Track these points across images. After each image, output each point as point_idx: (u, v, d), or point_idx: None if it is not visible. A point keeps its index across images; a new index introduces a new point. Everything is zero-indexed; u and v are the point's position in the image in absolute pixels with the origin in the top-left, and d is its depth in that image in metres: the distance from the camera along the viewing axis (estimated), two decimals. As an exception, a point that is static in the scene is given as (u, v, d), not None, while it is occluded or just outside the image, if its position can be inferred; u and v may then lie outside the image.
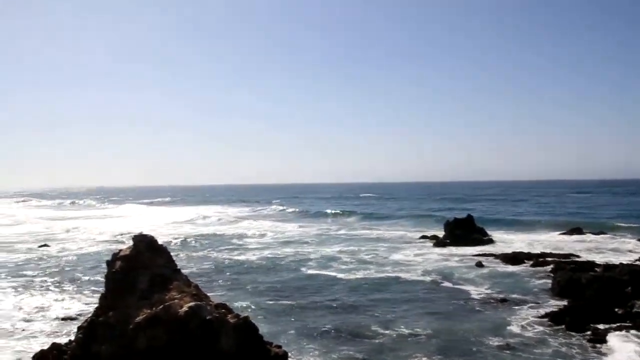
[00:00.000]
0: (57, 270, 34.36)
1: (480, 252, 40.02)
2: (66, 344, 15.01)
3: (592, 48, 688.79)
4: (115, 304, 13.87)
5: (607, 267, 29.98)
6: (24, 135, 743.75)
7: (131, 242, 15.33)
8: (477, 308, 23.88)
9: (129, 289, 14.07)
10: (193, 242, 51.55)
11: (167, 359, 12.75)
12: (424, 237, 50.89)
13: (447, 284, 29.23)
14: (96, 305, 14.72)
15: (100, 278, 23.64)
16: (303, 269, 34.80)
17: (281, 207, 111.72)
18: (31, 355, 15.03)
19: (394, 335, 19.56)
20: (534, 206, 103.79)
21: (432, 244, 45.93)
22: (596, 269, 30.44)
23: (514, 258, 36.36)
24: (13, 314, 22.80)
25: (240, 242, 50.81)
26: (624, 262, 31.96)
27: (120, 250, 15.28)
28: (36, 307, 24.02)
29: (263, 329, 15.27)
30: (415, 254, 40.32)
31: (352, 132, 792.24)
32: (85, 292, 27.38)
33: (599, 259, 35.73)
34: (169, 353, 12.75)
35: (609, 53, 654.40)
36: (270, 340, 14.73)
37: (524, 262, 35.15)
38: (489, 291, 27.02)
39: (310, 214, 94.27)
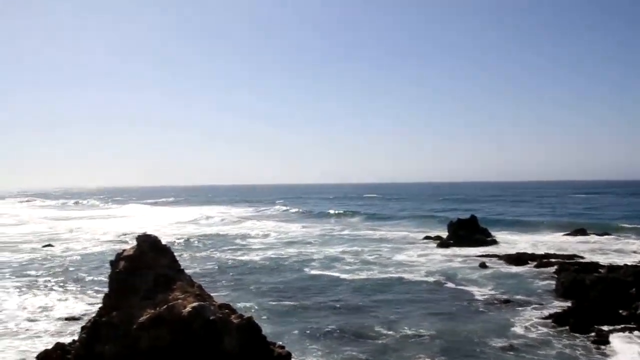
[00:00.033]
0: (61, 270, 34.45)
1: (484, 253, 39.95)
2: (70, 343, 15.05)
3: (592, 48, 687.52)
4: (119, 304, 13.89)
5: (611, 268, 29.88)
6: (24, 135, 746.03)
7: (135, 243, 15.35)
8: (481, 309, 23.84)
9: (133, 289, 14.09)
10: (196, 242, 51.63)
11: (171, 359, 12.77)
12: (427, 237, 50.83)
13: (450, 284, 29.19)
14: (100, 305, 14.74)
15: (104, 278, 23.73)
16: (306, 269, 34.81)
17: (284, 208, 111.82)
18: (35, 355, 15.07)
19: (397, 336, 19.54)
20: (537, 207, 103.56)
21: (435, 245, 45.87)
22: (600, 270, 30.36)
23: (518, 259, 36.29)
24: (17, 314, 22.87)
25: (244, 243, 50.86)
26: (628, 264, 31.88)
27: (124, 251, 15.30)
28: (40, 307, 24.09)
29: (266, 329, 15.28)
30: (418, 255, 40.28)
31: (353, 132, 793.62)
32: (89, 292, 27.44)
33: (603, 260, 35.63)
34: (173, 353, 12.76)
35: (609, 53, 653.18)
36: (274, 341, 14.74)
37: (528, 263, 35.08)
38: (492, 292, 26.97)
39: (314, 214, 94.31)
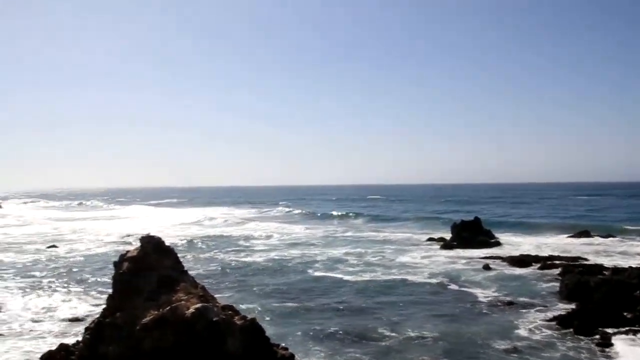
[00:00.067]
0: (65, 271, 34.53)
1: (488, 255, 39.85)
2: (74, 344, 15.06)
3: (592, 48, 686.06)
4: (122, 305, 13.92)
5: (616, 270, 29.79)
6: (24, 135, 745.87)
7: (138, 244, 15.38)
8: (484, 311, 23.79)
9: (136, 290, 14.11)
10: (200, 243, 51.68)
11: (174, 360, 12.78)
12: (430, 239, 50.74)
13: (453, 286, 29.14)
14: (103, 306, 14.76)
15: (108, 279, 23.79)
16: (310, 271, 34.80)
17: (287, 209, 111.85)
18: (39, 355, 15.10)
19: (401, 338, 19.51)
20: (540, 208, 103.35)
21: (439, 247, 45.81)
22: (604, 272, 30.28)
23: (522, 261, 36.20)
24: (21, 315, 22.92)
25: (247, 244, 50.88)
26: (633, 266, 31.69)
27: (128, 252, 15.33)
28: (44, 308, 24.15)
29: (270, 330, 15.27)
30: (422, 256, 40.22)
31: (353, 132, 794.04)
32: (93, 293, 27.49)
33: (607, 262, 35.52)
34: (176, 354, 12.77)
35: (609, 53, 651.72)
36: (277, 342, 14.74)
37: (532, 265, 34.98)
38: (496, 294, 26.91)
39: (317, 215, 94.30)
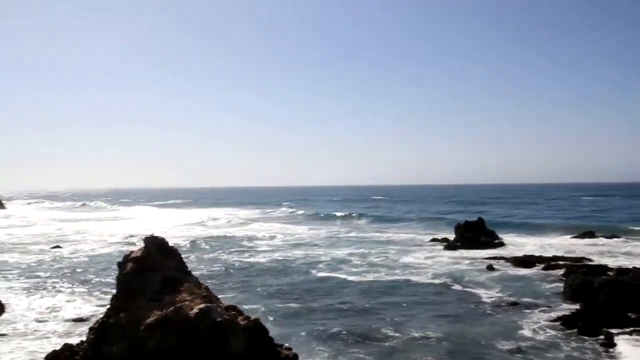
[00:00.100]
0: (69, 271, 34.63)
1: (491, 255, 39.79)
2: (78, 344, 15.12)
3: (592, 48, 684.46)
4: (126, 306, 13.95)
5: (620, 271, 29.69)
6: (24, 135, 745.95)
7: (142, 244, 15.42)
8: (488, 311, 23.75)
9: (140, 290, 14.15)
10: (203, 244, 51.73)
11: (178, 360, 12.80)
12: (434, 239, 50.68)
13: (457, 287, 29.10)
14: (107, 307, 14.81)
15: (112, 279, 23.88)
16: (313, 271, 34.80)
17: (291, 210, 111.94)
18: (44, 355, 15.15)
19: (404, 338, 19.50)
20: (544, 209, 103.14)
21: (442, 247, 45.76)
22: (609, 272, 30.19)
23: (525, 261, 36.13)
24: (26, 315, 23.00)
25: (251, 244, 50.92)
26: (637, 266, 31.58)
27: (132, 252, 15.37)
28: (49, 308, 24.23)
29: (273, 331, 15.29)
30: (425, 257, 40.18)
31: (353, 132, 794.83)
32: (97, 293, 27.57)
33: (611, 262, 35.41)
34: (180, 354, 12.79)
35: (609, 53, 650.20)
36: (281, 342, 14.75)
37: (536, 266, 34.91)
38: (500, 294, 26.86)
39: (320, 216, 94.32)
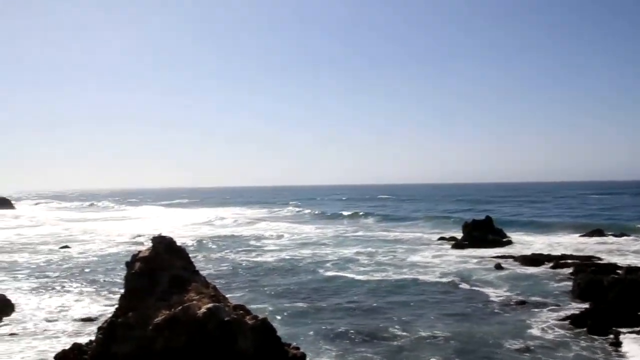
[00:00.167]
0: (77, 271, 34.84)
1: (499, 254, 39.63)
2: (87, 344, 15.19)
3: (597, 48, 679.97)
4: (134, 305, 14.00)
5: (630, 269, 29.44)
6: (24, 135, 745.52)
7: (150, 244, 15.47)
8: (496, 310, 23.66)
9: (148, 290, 14.20)
10: (210, 243, 51.87)
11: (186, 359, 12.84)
12: (442, 238, 50.55)
13: (465, 286, 29.00)
14: (116, 306, 14.87)
15: (120, 279, 23.99)
16: (321, 270, 34.80)
17: (298, 209, 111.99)
18: (53, 355, 15.24)
19: (412, 337, 19.46)
20: (552, 207, 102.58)
21: (450, 246, 45.63)
22: (618, 271, 29.99)
23: (534, 260, 35.96)
24: (35, 314, 23.16)
25: (258, 244, 51.00)
26: (647, 265, 31.42)
27: (140, 252, 15.43)
28: (58, 308, 24.38)
29: (281, 330, 15.30)
30: (433, 256, 40.09)
31: (353, 132, 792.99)
32: (105, 293, 27.71)
33: (620, 261, 35.16)
34: (188, 354, 12.83)
35: (614, 52, 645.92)
36: (289, 342, 14.76)
37: (544, 264, 34.74)
38: (508, 293, 26.75)
39: (327, 215, 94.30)
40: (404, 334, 19.91)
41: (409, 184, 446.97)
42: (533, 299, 25.34)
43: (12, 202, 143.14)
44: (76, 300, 25.97)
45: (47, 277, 32.69)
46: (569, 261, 34.94)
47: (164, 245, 15.22)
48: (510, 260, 36.93)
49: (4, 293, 25.00)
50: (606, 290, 23.84)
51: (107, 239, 56.27)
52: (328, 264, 37.23)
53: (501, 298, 25.80)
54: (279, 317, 21.78)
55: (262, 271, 34.99)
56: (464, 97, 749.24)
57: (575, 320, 20.77)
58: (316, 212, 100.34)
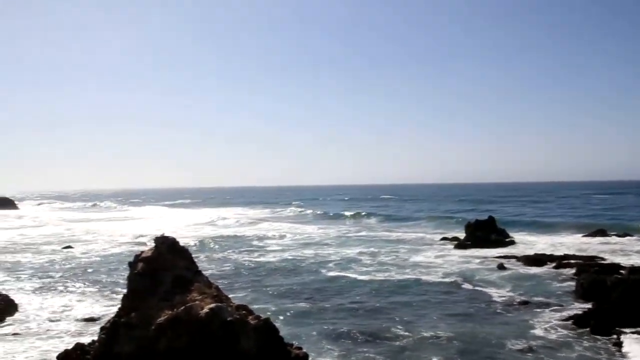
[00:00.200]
0: (80, 271, 34.89)
1: (502, 254, 39.58)
2: (89, 344, 15.23)
3: (598, 48, 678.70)
4: (137, 305, 14.02)
5: (633, 269, 29.31)
6: (24, 135, 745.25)
7: (153, 244, 15.48)
8: (499, 310, 23.62)
9: (151, 290, 14.22)
10: (213, 243, 51.89)
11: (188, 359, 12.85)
12: (444, 238, 50.51)
13: (468, 286, 28.97)
14: (119, 306, 14.89)
15: (123, 279, 24.00)
16: (323, 270, 34.79)
17: (300, 209, 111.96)
18: (56, 354, 15.27)
19: (415, 338, 19.44)
20: (555, 207, 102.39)
21: (452, 246, 45.57)
22: (621, 271, 29.89)
23: (537, 260, 35.89)
24: (39, 314, 23.21)
25: (260, 244, 51.01)
26: (650, 265, 31.32)
27: (142, 252, 15.45)
28: (61, 308, 24.43)
29: (284, 330, 15.31)
30: (435, 256, 40.05)
31: (353, 132, 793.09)
32: (108, 293, 27.74)
33: (624, 261, 35.05)
34: (190, 354, 12.84)
35: (615, 53, 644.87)
36: (291, 342, 14.77)
37: (547, 264, 34.68)
38: (510, 293, 26.71)
39: (329, 215, 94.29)
40: (407, 334, 19.89)
41: (409, 184, 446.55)
42: (536, 299, 25.29)
43: (16, 202, 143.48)
44: (79, 301, 26.02)
45: (50, 277, 32.74)
46: (572, 261, 34.87)
47: (166, 246, 15.24)
48: (513, 260, 36.87)
49: (7, 293, 25.10)
50: (609, 291, 23.75)
51: (110, 239, 56.36)
52: (331, 264, 37.22)
53: (504, 298, 25.76)
54: (281, 317, 21.79)
55: (265, 271, 34.99)
56: (464, 97, 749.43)
57: (578, 321, 20.73)
58: (319, 212, 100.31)
